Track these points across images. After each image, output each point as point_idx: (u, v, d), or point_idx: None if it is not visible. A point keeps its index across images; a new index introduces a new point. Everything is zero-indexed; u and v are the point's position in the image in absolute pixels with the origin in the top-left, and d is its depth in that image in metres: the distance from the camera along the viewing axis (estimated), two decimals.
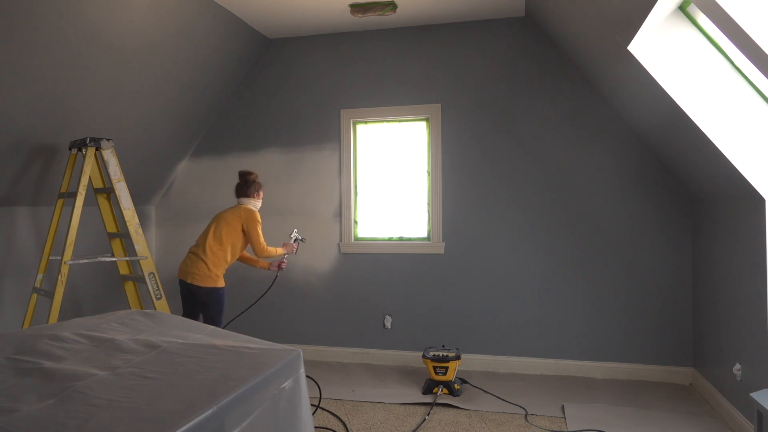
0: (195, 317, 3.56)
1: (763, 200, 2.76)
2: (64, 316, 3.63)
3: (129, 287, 3.77)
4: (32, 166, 3.45)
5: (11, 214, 3.54)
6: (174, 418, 1.30)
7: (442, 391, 3.64)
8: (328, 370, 4.25)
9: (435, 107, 4.31)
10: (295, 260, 4.55)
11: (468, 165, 4.26)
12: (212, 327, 2.23)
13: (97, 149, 3.39)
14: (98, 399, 1.41)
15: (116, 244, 3.73)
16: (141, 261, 3.47)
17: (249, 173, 3.68)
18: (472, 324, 4.26)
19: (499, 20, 4.19)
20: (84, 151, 3.38)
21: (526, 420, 3.26)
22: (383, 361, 4.41)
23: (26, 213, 3.64)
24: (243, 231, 3.53)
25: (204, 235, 3.52)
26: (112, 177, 3.41)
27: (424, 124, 4.42)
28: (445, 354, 3.68)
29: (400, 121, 4.47)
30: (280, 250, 3.67)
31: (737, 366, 3.05)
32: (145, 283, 3.49)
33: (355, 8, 3.91)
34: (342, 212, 4.50)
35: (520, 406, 3.45)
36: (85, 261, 3.40)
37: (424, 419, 3.28)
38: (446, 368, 3.65)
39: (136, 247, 3.47)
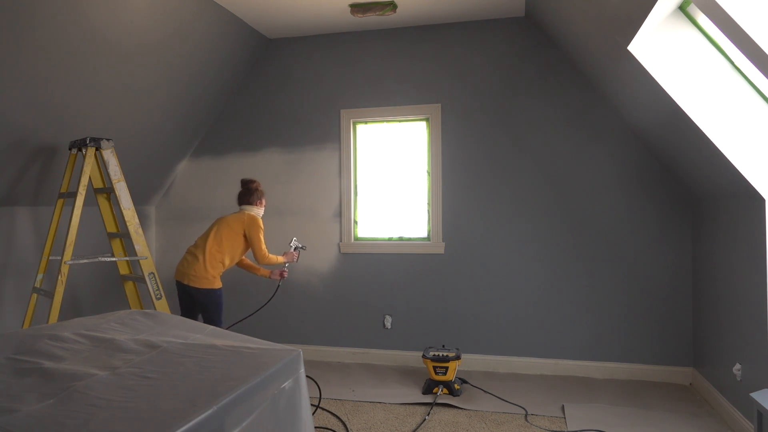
0: (192, 318, 3.56)
1: (763, 200, 2.76)
2: (64, 316, 3.63)
3: (129, 287, 3.77)
4: (32, 166, 3.45)
5: (11, 214, 3.54)
6: (174, 418, 1.30)
7: (442, 391, 3.64)
8: (328, 370, 4.25)
9: (435, 107, 4.31)
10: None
11: (468, 165, 4.26)
12: (212, 327, 2.23)
13: (97, 149, 3.39)
14: (98, 399, 1.41)
15: (116, 244, 3.73)
16: (141, 261, 3.47)
17: (251, 181, 3.70)
18: (472, 324, 4.26)
19: (499, 20, 4.19)
20: (84, 151, 3.38)
21: (526, 420, 3.26)
22: (383, 361, 4.41)
23: (26, 213, 3.64)
24: (244, 236, 3.55)
25: (204, 237, 3.54)
26: (112, 177, 3.41)
27: (424, 124, 4.42)
28: (445, 354, 3.68)
29: (400, 121, 4.47)
30: (280, 259, 3.69)
31: (737, 366, 3.05)
32: (145, 283, 3.49)
33: (355, 8, 3.91)
34: (342, 212, 4.50)
35: (520, 406, 3.45)
36: (85, 261, 3.40)
37: (424, 419, 3.28)
38: (446, 368, 3.65)
39: (136, 247, 3.47)
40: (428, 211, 4.40)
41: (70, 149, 3.47)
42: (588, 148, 4.06)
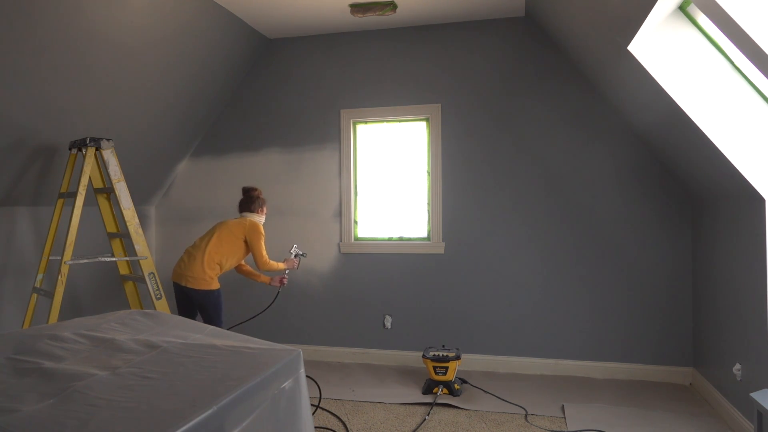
0: (191, 318, 3.57)
1: (763, 200, 2.76)
2: (64, 316, 3.63)
3: (129, 287, 3.77)
4: (32, 166, 3.45)
5: (11, 214, 3.54)
6: (174, 418, 1.30)
7: (442, 391, 3.64)
8: (328, 370, 4.25)
9: (435, 107, 4.31)
10: None
11: (468, 165, 4.26)
12: (212, 327, 2.23)
13: (97, 149, 3.39)
14: (98, 399, 1.41)
15: (116, 244, 3.73)
16: (141, 261, 3.47)
17: (253, 189, 3.73)
18: (472, 324, 4.26)
19: (499, 20, 4.19)
20: (84, 151, 3.38)
21: (526, 420, 3.26)
22: (383, 361, 4.41)
23: (26, 213, 3.64)
24: (245, 242, 3.58)
25: (203, 239, 3.56)
26: (112, 177, 3.41)
27: (424, 124, 4.42)
28: (445, 354, 3.68)
29: (400, 121, 4.46)
30: (281, 265, 3.71)
31: (737, 366, 3.05)
32: (145, 283, 3.49)
33: (355, 8, 3.91)
34: (342, 212, 4.50)
35: (520, 406, 3.45)
36: (85, 261, 3.40)
37: (424, 419, 3.28)
38: (446, 368, 3.65)
39: (136, 247, 3.47)
40: (428, 211, 4.40)
41: (70, 149, 3.47)
42: (588, 148, 4.06)
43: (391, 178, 4.50)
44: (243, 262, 3.80)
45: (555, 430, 3.12)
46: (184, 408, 1.36)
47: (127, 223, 3.45)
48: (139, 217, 4.60)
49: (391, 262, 4.40)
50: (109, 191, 3.55)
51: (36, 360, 1.73)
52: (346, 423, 3.23)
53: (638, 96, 3.34)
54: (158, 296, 3.53)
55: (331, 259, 4.53)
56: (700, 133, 2.85)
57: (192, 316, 3.60)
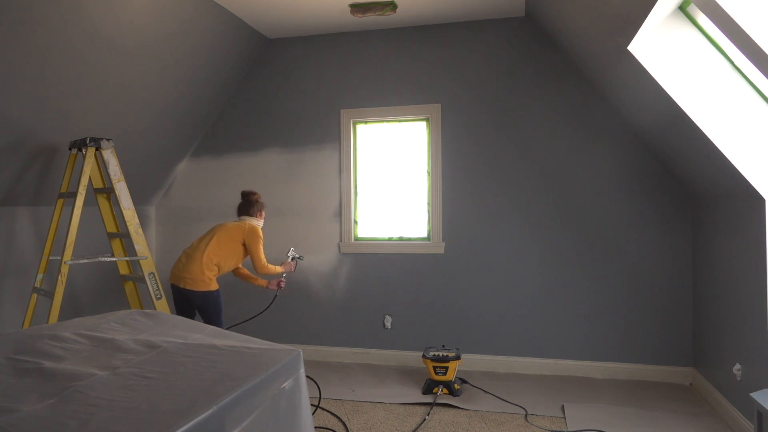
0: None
1: (763, 200, 2.76)
2: (64, 316, 3.63)
3: (129, 287, 3.77)
4: (32, 166, 3.45)
5: (11, 214, 3.54)
6: (174, 418, 1.30)
7: (442, 391, 3.64)
8: (328, 370, 4.25)
9: (435, 107, 4.31)
10: None
11: (468, 165, 4.26)
12: (212, 327, 2.23)
13: (97, 149, 3.40)
14: (98, 399, 1.41)
15: (116, 244, 3.73)
16: (141, 261, 3.47)
17: (252, 193, 3.73)
18: (472, 324, 4.26)
19: (499, 20, 4.19)
20: (84, 151, 3.38)
21: (526, 420, 3.26)
22: (383, 361, 4.41)
23: (26, 213, 3.64)
24: (243, 245, 3.58)
25: (202, 240, 3.56)
26: (112, 177, 3.41)
27: (424, 124, 4.42)
28: (445, 354, 3.68)
29: (400, 121, 4.47)
30: (279, 269, 3.72)
31: (737, 366, 3.05)
32: (145, 283, 3.49)
33: (355, 8, 3.91)
34: (342, 212, 4.50)
35: (520, 406, 3.45)
36: (85, 261, 3.40)
37: (424, 419, 3.28)
38: (446, 368, 3.65)
39: (136, 247, 3.47)
40: (428, 211, 4.40)
41: (70, 149, 3.47)
42: (588, 148, 4.06)
43: (391, 178, 4.49)
44: (240, 266, 3.81)
45: (555, 430, 3.12)
46: (184, 408, 1.36)
47: (127, 223, 3.45)
48: (139, 217, 4.60)
49: (391, 262, 4.40)
50: (109, 191, 3.55)
51: (36, 360, 1.73)
52: (346, 423, 3.23)
53: (638, 96, 3.34)
54: (158, 296, 3.53)
55: (331, 259, 4.53)
56: (700, 133, 2.85)
57: (191, 317, 3.60)
